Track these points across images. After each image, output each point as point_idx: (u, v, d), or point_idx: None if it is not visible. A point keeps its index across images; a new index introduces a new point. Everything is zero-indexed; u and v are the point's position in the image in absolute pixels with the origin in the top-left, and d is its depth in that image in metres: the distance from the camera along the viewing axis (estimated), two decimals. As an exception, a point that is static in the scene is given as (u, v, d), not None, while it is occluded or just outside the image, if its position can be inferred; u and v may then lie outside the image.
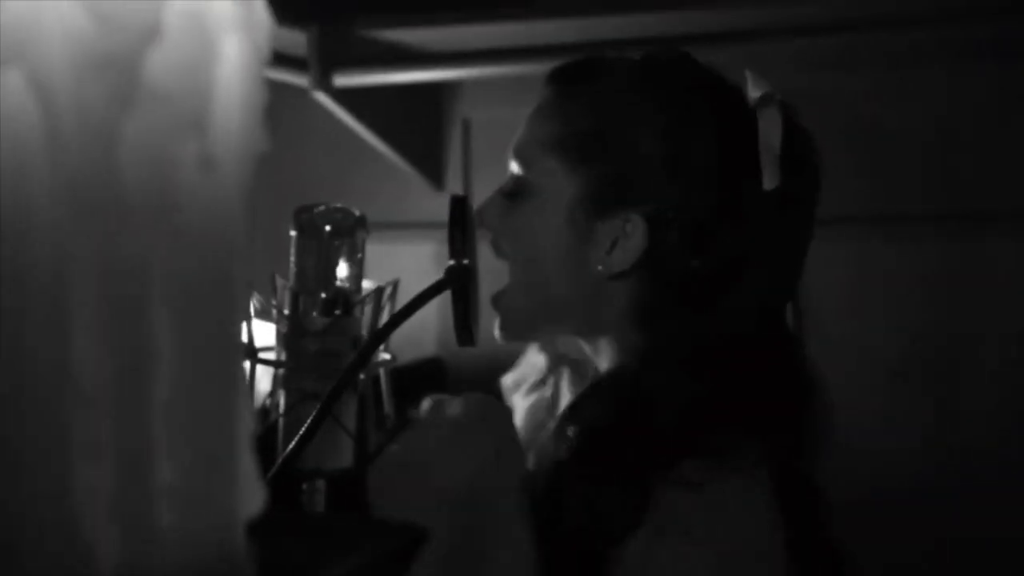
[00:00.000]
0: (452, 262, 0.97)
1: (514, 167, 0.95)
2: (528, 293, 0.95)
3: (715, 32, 1.33)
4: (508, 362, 1.55)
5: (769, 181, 0.86)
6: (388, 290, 1.11)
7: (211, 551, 0.45)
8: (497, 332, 0.99)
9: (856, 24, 1.32)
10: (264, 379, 1.01)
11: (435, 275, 1.58)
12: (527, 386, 1.12)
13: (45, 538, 0.42)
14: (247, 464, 0.46)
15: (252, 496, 0.46)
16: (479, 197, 1.04)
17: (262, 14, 0.46)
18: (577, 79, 0.94)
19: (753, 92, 0.88)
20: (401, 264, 1.63)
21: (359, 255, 1.07)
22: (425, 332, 1.53)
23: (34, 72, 0.41)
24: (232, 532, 0.46)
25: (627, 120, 0.90)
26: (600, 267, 0.90)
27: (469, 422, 0.83)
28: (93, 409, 0.42)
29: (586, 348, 0.99)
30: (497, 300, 0.98)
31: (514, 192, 0.94)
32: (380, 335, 0.93)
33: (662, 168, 0.88)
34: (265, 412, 1.02)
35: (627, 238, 0.88)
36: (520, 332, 1.01)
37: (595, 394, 0.91)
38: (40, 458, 0.42)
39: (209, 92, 0.44)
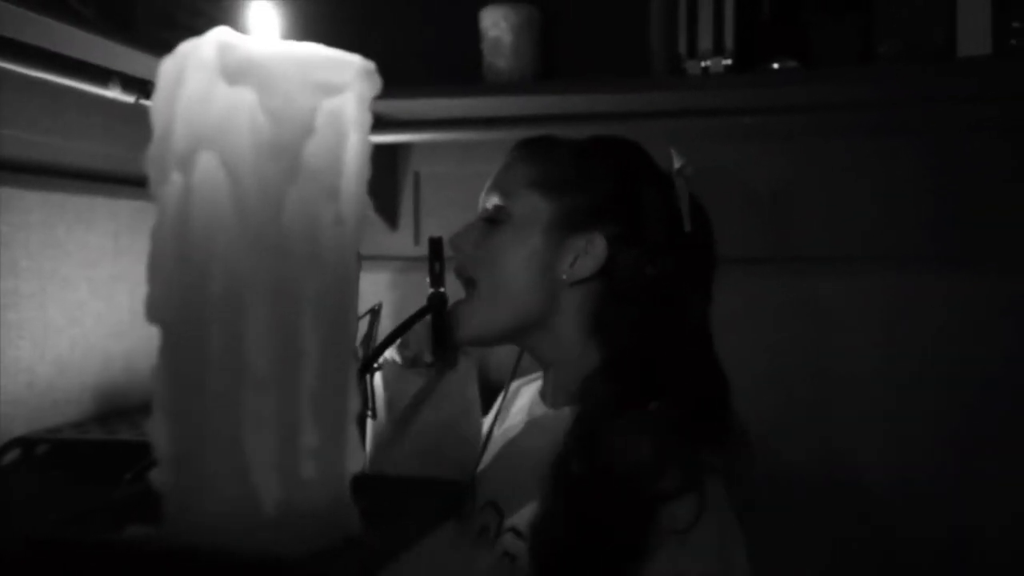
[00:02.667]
0: (432, 290, 1.03)
1: (495, 199, 1.00)
2: (493, 309, 0.99)
3: (635, 111, 1.43)
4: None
5: (687, 225, 0.97)
6: (378, 310, 1.20)
7: (334, 497, 0.54)
8: (459, 340, 1.02)
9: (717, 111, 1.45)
10: None
11: (393, 298, 1.68)
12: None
13: (223, 484, 0.51)
14: (354, 434, 0.56)
15: (357, 457, 0.56)
16: (426, 235, 1.09)
17: (368, 116, 0.56)
18: (543, 143, 1.04)
19: (676, 163, 0.99)
20: (364, 289, 1.67)
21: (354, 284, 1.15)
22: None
23: (225, 155, 0.51)
24: (345, 483, 0.55)
25: (592, 168, 0.99)
26: (564, 276, 0.96)
27: None
28: (261, 391, 0.51)
29: (535, 354, 1.03)
30: (457, 310, 1.02)
31: (496, 218, 1.00)
32: (381, 349, 1.00)
33: (619, 202, 0.97)
34: None
35: (587, 253, 0.96)
36: (478, 340, 1.03)
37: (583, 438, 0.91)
38: (219, 426, 0.51)
39: (341, 170, 0.54)
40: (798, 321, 1.59)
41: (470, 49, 1.54)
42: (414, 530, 0.58)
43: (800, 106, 1.44)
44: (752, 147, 1.61)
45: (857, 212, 1.58)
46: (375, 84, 0.55)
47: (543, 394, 1.06)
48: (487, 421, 1.11)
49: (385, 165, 1.73)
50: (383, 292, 1.67)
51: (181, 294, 0.52)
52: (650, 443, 0.85)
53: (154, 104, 0.53)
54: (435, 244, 1.06)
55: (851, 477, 1.56)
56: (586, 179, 0.99)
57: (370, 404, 1.13)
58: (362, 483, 0.57)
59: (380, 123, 1.53)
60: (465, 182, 1.05)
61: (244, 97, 0.51)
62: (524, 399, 1.11)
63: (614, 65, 1.50)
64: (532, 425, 1.03)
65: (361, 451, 0.57)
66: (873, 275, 1.57)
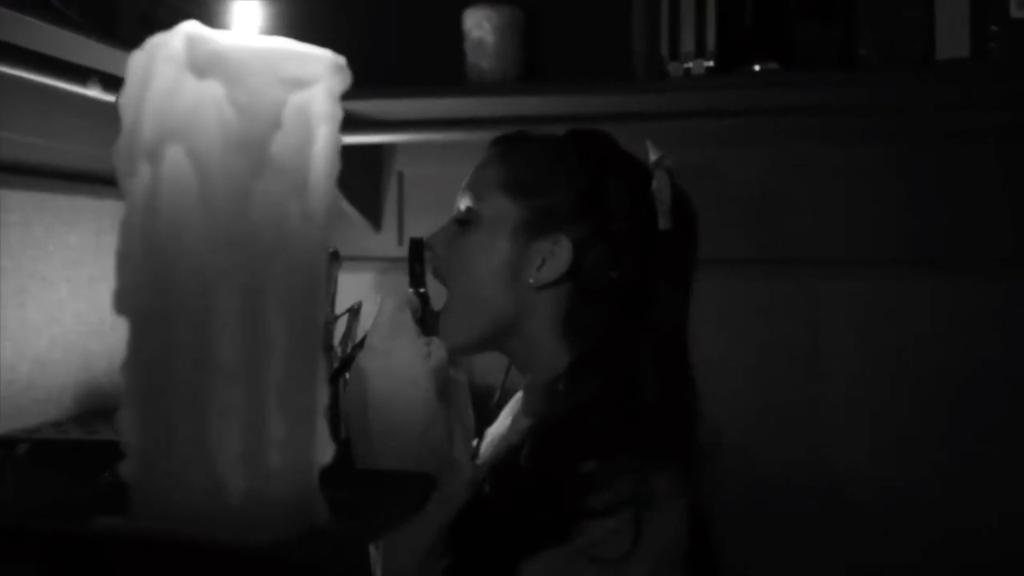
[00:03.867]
0: (411, 290, 1.05)
1: (466, 201, 1.00)
2: (468, 311, 0.99)
3: (618, 112, 1.44)
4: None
5: (663, 223, 0.95)
6: (357, 309, 1.21)
7: (301, 488, 0.55)
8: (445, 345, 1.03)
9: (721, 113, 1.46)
10: None
11: (376, 299, 1.67)
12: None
13: (189, 474, 0.51)
14: (323, 425, 0.56)
15: (325, 449, 0.56)
16: (410, 237, 1.08)
17: (339, 110, 0.57)
18: (517, 141, 1.03)
19: (652, 156, 0.99)
20: (347, 289, 1.70)
21: (334, 283, 1.16)
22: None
23: (193, 148, 0.51)
24: (312, 474, 0.56)
25: (559, 167, 0.98)
26: (531, 280, 0.96)
27: None
28: (228, 382, 0.51)
29: (515, 361, 1.04)
30: (441, 321, 1.02)
31: (466, 220, 1.00)
32: (359, 346, 1.01)
33: (585, 203, 0.96)
34: None
35: (554, 256, 0.95)
36: (460, 348, 1.03)
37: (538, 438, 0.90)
38: (186, 417, 0.52)
39: (309, 165, 0.54)
40: (784, 324, 1.60)
41: (453, 50, 1.54)
42: (382, 521, 0.58)
43: (782, 108, 1.45)
44: (735, 150, 1.62)
45: (841, 215, 1.60)
46: (345, 79, 0.56)
47: (525, 403, 1.06)
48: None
49: (369, 166, 1.74)
50: (366, 292, 1.66)
51: (149, 286, 0.52)
52: (592, 454, 0.83)
53: (123, 98, 0.53)
54: (415, 245, 1.07)
55: (839, 480, 1.57)
56: (552, 179, 0.98)
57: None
58: (332, 474, 0.57)
59: (363, 123, 1.57)
60: (449, 183, 1.06)
61: (212, 91, 0.51)
62: (514, 406, 1.11)
63: (597, 66, 1.51)
64: (512, 432, 1.02)
65: (330, 443, 0.57)
66: (857, 278, 1.58)
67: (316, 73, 0.54)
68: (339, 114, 0.57)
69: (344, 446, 1.06)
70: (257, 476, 0.52)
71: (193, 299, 0.52)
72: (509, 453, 0.90)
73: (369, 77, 1.68)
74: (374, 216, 1.74)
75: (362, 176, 1.72)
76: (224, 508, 0.51)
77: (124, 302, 0.53)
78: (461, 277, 0.99)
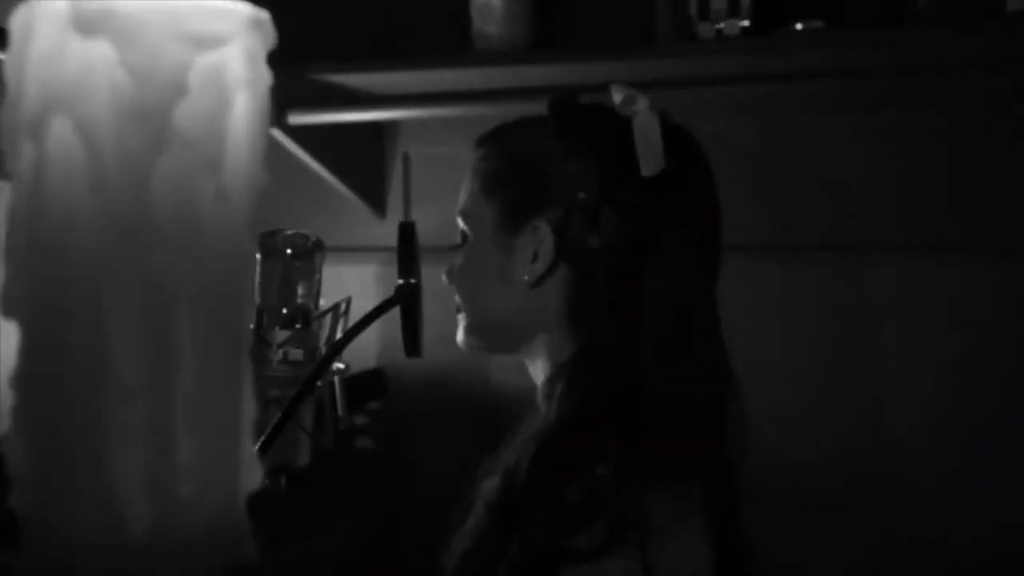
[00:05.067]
0: (400, 281, 1.03)
1: (460, 222, 0.99)
2: (478, 323, 0.97)
3: (641, 82, 1.36)
4: (446, 372, 1.59)
5: (647, 168, 0.88)
6: (342, 306, 1.17)
7: (220, 519, 0.50)
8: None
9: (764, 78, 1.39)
10: None
11: (378, 293, 1.64)
12: None
13: (86, 505, 0.47)
14: (248, 447, 0.52)
15: (252, 474, 0.52)
16: (419, 223, 1.09)
17: (266, 73, 0.52)
18: (489, 140, 1.00)
19: (616, 96, 0.92)
20: (348, 284, 1.67)
21: (316, 275, 1.13)
22: (367, 346, 1.56)
23: (81, 120, 0.47)
24: (236, 503, 0.51)
25: (522, 153, 0.95)
26: (526, 276, 0.93)
27: None
28: (128, 398, 0.47)
29: (528, 366, 1.00)
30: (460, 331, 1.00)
31: (463, 239, 0.99)
32: (338, 346, 0.98)
33: (553, 181, 0.92)
34: None
35: (542, 244, 0.92)
36: (491, 351, 1.02)
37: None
38: (81, 440, 0.48)
39: (224, 137, 0.50)
40: (830, 313, 1.55)
41: (458, 16, 1.50)
42: (326, 553, 0.54)
43: (828, 72, 1.38)
44: (771, 121, 1.56)
45: (891, 194, 1.53)
46: (267, 36, 0.51)
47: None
48: None
49: (370, 146, 1.70)
50: (370, 286, 1.63)
51: (37, 286, 0.48)
52: (575, 478, 0.78)
53: (6, 63, 0.49)
54: (405, 229, 1.05)
55: (898, 480, 1.53)
56: (515, 167, 0.95)
57: (339, 408, 1.11)
58: (264, 501, 0.53)
59: (360, 99, 1.51)
60: (459, 162, 1.02)
61: (101, 52, 0.47)
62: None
63: (617, 32, 1.46)
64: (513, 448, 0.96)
65: (259, 466, 0.53)
66: (910, 262, 1.52)
67: (229, 30, 0.49)
68: (265, 78, 0.52)
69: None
70: (165, 507, 0.48)
71: (86, 300, 0.48)
72: (503, 476, 0.85)
73: (366, 47, 1.67)
74: (377, 201, 1.69)
75: (363, 158, 1.68)
76: (126, 543, 0.48)
77: (12, 304, 0.49)
78: (465, 299, 0.98)
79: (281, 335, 0.99)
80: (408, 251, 1.04)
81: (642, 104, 0.91)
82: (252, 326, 1.02)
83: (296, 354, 1.00)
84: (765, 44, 1.33)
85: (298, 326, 1.01)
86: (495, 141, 1.00)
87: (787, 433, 1.51)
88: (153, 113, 0.47)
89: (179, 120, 0.48)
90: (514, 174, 0.95)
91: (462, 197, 1.00)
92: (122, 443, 0.48)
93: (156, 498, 0.48)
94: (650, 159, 0.88)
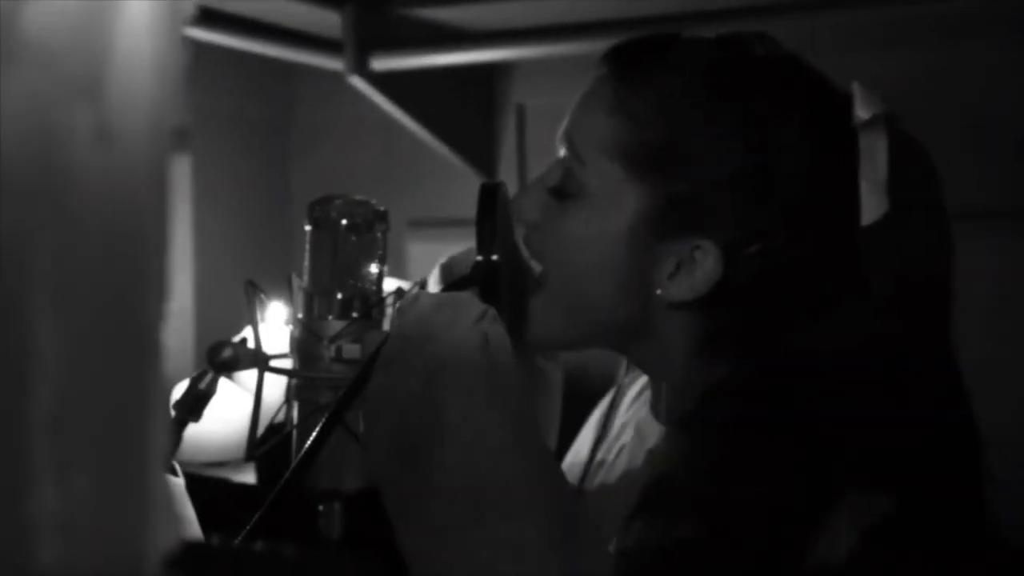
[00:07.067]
0: (479, 258, 0.95)
1: (564, 153, 0.92)
2: (565, 305, 0.92)
3: (782, 4, 1.27)
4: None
5: (870, 213, 0.82)
6: (414, 291, 1.08)
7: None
8: (529, 341, 0.96)
9: None
10: (276, 390, 0.99)
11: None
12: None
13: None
14: (158, 489, 0.43)
15: (165, 527, 0.43)
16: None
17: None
18: (642, 65, 0.90)
19: (861, 110, 0.84)
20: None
21: (379, 252, 1.04)
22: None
23: None
24: (139, 569, 0.42)
25: (705, 130, 0.86)
26: (660, 291, 0.86)
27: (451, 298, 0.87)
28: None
29: (641, 368, 0.99)
30: (532, 300, 0.95)
31: (563, 190, 0.91)
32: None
33: (744, 189, 0.85)
34: (276, 428, 1.00)
35: (695, 264, 0.85)
36: (552, 344, 1.00)
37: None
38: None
39: (106, 51, 0.41)
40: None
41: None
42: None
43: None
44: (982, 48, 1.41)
45: None
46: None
47: (654, 408, 0.98)
48: (586, 438, 1.06)
49: (476, 97, 1.65)
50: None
51: None
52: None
53: None
54: (487, 193, 0.96)
55: None
56: (697, 146, 0.86)
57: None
58: (198, 563, 0.44)
59: (464, 38, 1.48)
60: None
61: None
62: (629, 411, 1.04)
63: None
64: (641, 444, 0.97)
65: (174, 515, 0.44)
66: None
67: None
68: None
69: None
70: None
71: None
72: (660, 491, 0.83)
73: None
74: (485, 164, 1.65)
75: (466, 111, 1.63)
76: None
77: None
78: (559, 261, 0.92)
79: (335, 326, 0.92)
80: (490, 220, 0.95)
81: (883, 122, 0.84)
82: (300, 315, 0.95)
83: (353, 350, 0.92)
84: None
85: (355, 315, 0.93)
86: (656, 76, 0.89)
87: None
88: (-8, 15, 0.39)
89: (31, 26, 0.39)
90: (695, 156, 0.86)
91: (579, 120, 0.92)
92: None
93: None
94: (871, 200, 0.83)
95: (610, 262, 0.89)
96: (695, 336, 0.88)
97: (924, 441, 0.81)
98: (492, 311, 0.86)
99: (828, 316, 0.84)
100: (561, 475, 0.86)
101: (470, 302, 0.86)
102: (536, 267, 0.93)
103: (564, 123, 0.93)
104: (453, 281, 0.96)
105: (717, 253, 0.84)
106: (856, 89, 0.85)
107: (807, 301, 0.85)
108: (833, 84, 0.89)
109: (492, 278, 0.93)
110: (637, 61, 0.90)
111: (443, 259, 1.03)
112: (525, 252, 0.95)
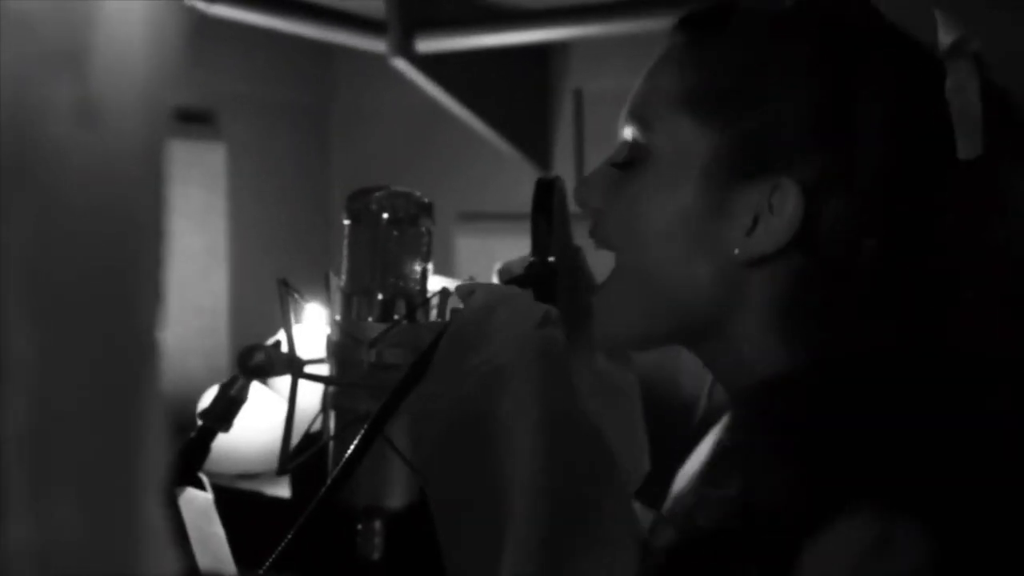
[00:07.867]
0: (532, 259, 0.96)
1: (628, 133, 0.90)
2: (641, 289, 0.90)
3: None
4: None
5: (966, 149, 0.80)
6: (469, 284, 1.07)
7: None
8: (597, 340, 0.96)
9: None
10: (313, 397, 0.98)
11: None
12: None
13: None
14: (152, 517, 0.41)
15: (160, 560, 0.41)
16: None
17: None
18: (712, 25, 0.90)
19: (943, 36, 0.82)
20: (498, 260, 1.64)
21: (424, 248, 1.02)
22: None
23: None
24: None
25: (777, 66, 0.86)
26: (737, 250, 0.84)
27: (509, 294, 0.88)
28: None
29: (706, 365, 0.95)
30: (598, 300, 0.94)
31: (628, 161, 0.89)
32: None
33: (823, 124, 0.84)
34: (312, 438, 1.00)
35: (774, 212, 0.83)
36: (627, 341, 0.97)
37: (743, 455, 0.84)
38: None
39: (90, 21, 0.39)
40: None
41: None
42: None
43: None
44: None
45: None
46: None
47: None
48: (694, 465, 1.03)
49: (531, 81, 1.63)
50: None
51: None
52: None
53: None
54: (543, 188, 0.98)
55: None
56: (766, 86, 0.85)
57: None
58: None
59: (514, 17, 1.45)
60: None
61: None
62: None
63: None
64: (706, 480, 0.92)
65: (170, 547, 0.41)
66: None
67: None
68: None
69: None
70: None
71: None
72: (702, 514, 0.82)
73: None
74: (539, 153, 1.61)
75: (518, 95, 1.61)
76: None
77: None
78: (630, 241, 0.90)
79: (375, 329, 0.91)
80: (545, 218, 0.97)
81: (970, 50, 0.83)
82: (337, 317, 0.94)
83: (395, 355, 0.91)
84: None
85: (397, 317, 0.92)
86: (735, 28, 0.89)
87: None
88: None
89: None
90: (765, 95, 0.86)
91: (644, 94, 0.91)
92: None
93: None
94: (968, 135, 0.81)
95: (682, 221, 0.87)
96: (773, 309, 0.87)
97: None
98: (555, 312, 0.85)
99: (939, 294, 0.83)
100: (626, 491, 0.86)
101: (531, 302, 0.86)
102: (591, 274, 0.96)
103: (627, 105, 0.92)
104: (506, 283, 0.95)
105: (797, 191, 0.82)
106: (937, 14, 0.84)
107: (899, 264, 0.83)
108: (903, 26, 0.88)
109: (548, 280, 0.94)
110: (704, 21, 0.90)
111: (499, 264, 1.02)
112: (595, 244, 0.94)
